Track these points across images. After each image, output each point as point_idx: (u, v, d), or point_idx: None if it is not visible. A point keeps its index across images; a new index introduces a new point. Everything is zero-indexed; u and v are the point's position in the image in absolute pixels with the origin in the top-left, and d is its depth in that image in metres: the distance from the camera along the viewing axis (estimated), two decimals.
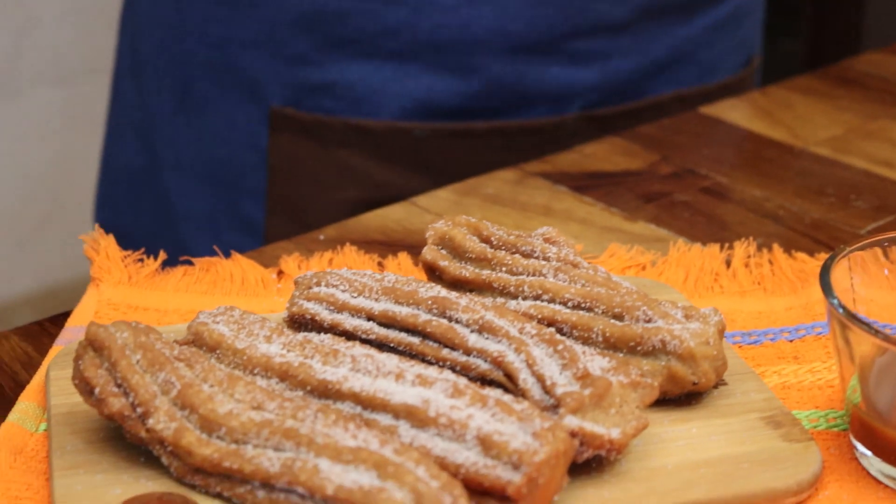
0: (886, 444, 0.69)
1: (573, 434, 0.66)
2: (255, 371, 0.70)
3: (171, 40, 1.23)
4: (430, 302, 0.74)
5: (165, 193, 1.27)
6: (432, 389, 0.67)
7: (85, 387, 0.68)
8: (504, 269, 0.78)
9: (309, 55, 1.18)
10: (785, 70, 1.53)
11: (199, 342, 0.72)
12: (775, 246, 0.93)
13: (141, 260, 0.90)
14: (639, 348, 0.73)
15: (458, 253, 0.80)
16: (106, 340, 0.68)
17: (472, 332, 0.73)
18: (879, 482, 0.70)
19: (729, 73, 1.33)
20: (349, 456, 0.62)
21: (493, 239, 0.80)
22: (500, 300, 0.77)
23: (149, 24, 1.27)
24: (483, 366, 0.71)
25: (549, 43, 1.18)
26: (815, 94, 1.26)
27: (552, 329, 0.73)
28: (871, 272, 0.75)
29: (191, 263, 0.91)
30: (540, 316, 0.75)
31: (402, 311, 0.74)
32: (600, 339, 0.74)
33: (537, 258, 0.79)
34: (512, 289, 0.77)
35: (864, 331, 0.66)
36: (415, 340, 0.74)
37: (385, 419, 0.66)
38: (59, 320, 0.86)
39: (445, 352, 0.73)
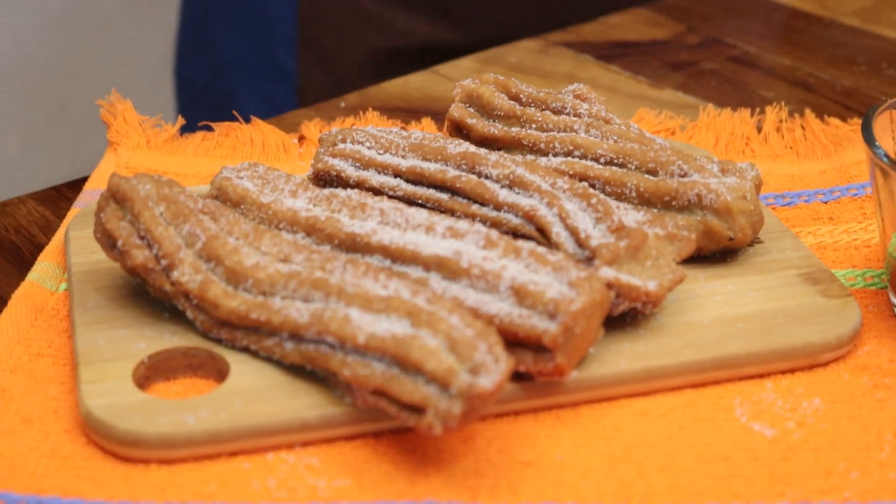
0: None
1: (609, 285, 0.64)
2: (281, 225, 0.68)
3: None
4: (458, 158, 0.72)
5: (217, 45, 1.29)
6: (464, 241, 0.65)
7: (107, 240, 0.66)
8: (534, 125, 0.76)
9: None
10: None
11: (223, 197, 0.70)
12: (807, 111, 0.91)
13: (159, 125, 0.88)
14: (674, 203, 0.71)
15: (486, 111, 0.78)
16: (129, 192, 0.66)
17: (502, 187, 0.71)
18: None
19: None
20: (381, 305, 0.60)
21: (522, 96, 0.78)
22: (530, 157, 0.75)
23: None
24: (514, 221, 0.69)
25: None
26: None
27: (585, 184, 0.71)
28: None
29: (210, 129, 0.89)
30: (571, 172, 0.73)
31: (431, 168, 0.72)
32: (634, 194, 0.72)
33: (568, 114, 0.77)
34: (542, 145, 0.75)
35: None
36: (443, 197, 0.72)
37: (415, 272, 0.64)
38: (77, 185, 0.85)
39: (475, 207, 0.71)
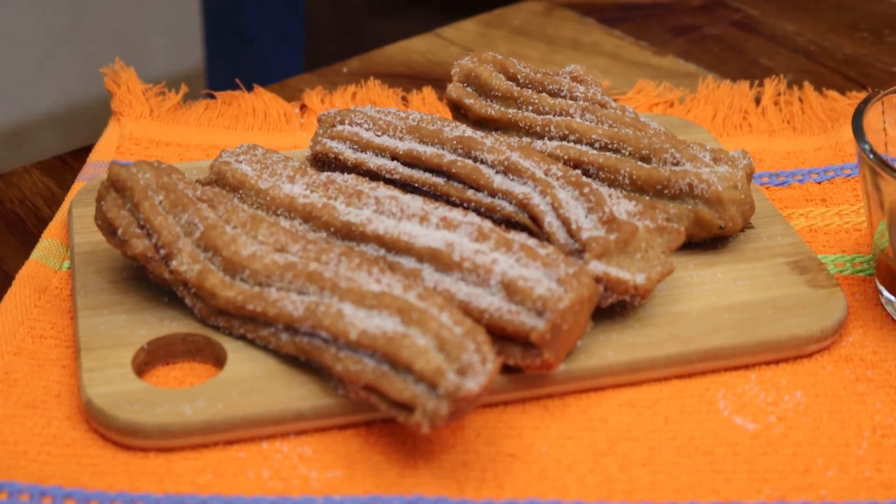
0: None
1: (598, 279, 0.66)
2: (279, 212, 0.69)
3: None
4: (455, 142, 0.73)
5: None
6: (456, 233, 0.66)
7: (108, 227, 0.68)
8: (530, 108, 0.77)
9: None
10: None
11: (222, 182, 0.71)
12: (806, 84, 0.91)
13: (162, 93, 0.89)
14: (666, 191, 0.72)
15: (483, 91, 0.79)
16: (128, 181, 0.67)
17: (497, 172, 0.72)
18: None
19: None
20: (373, 301, 0.62)
21: (519, 77, 0.79)
22: (525, 140, 0.76)
23: None
24: (508, 208, 0.71)
25: None
26: None
27: (578, 171, 0.72)
28: None
29: (212, 97, 0.90)
30: (566, 157, 0.74)
31: (427, 151, 0.73)
32: (627, 181, 0.73)
33: (564, 97, 0.77)
34: (538, 128, 0.76)
35: (895, 178, 0.65)
36: (439, 181, 0.73)
37: (409, 262, 0.66)
38: (81, 155, 0.86)
39: (470, 193, 0.72)
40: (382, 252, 0.67)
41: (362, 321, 0.61)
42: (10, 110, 2.37)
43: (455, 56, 0.96)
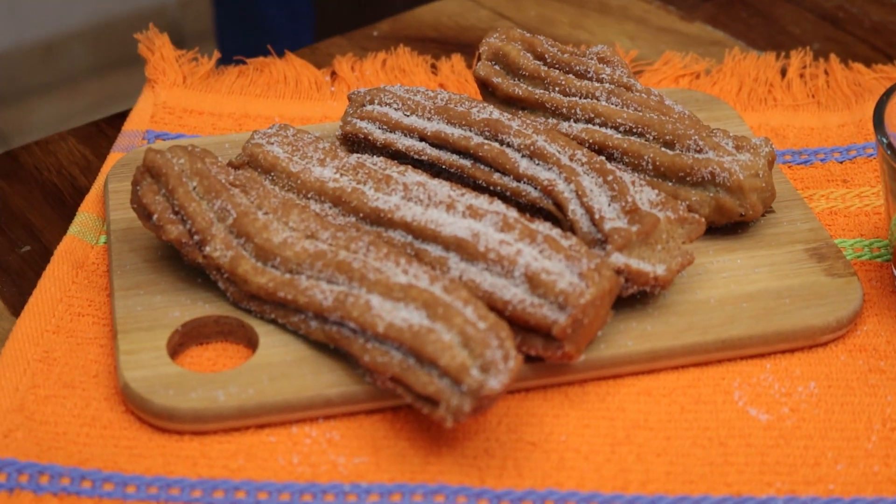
0: None
1: (619, 271, 0.67)
2: (309, 195, 0.71)
3: None
4: (482, 124, 0.74)
5: None
6: (482, 222, 0.68)
7: (143, 212, 0.70)
8: (557, 89, 0.78)
9: None
10: None
11: (254, 164, 0.73)
12: (832, 56, 0.92)
13: (195, 59, 0.90)
14: (688, 178, 0.73)
15: (511, 69, 0.80)
16: (163, 167, 0.69)
17: (523, 157, 0.73)
18: None
19: None
20: (400, 293, 0.64)
21: (547, 56, 0.80)
22: (551, 121, 0.78)
23: None
24: (533, 193, 0.72)
25: None
26: None
27: (602, 158, 0.73)
28: None
29: (243, 63, 0.91)
30: (591, 140, 0.75)
31: (455, 133, 0.75)
32: (650, 167, 0.74)
33: (591, 79, 0.79)
34: (564, 110, 0.77)
35: None
36: (466, 163, 0.74)
37: (435, 250, 0.68)
38: (115, 122, 0.88)
39: (496, 176, 0.73)
40: (410, 238, 0.68)
41: (389, 313, 0.63)
42: (40, 25, 2.39)
43: (484, 20, 0.97)
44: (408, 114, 0.77)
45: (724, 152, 0.73)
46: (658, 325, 0.69)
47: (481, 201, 0.69)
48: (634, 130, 0.75)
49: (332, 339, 0.65)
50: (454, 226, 0.68)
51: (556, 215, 0.72)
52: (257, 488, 0.62)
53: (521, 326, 0.65)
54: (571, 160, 0.73)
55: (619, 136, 0.75)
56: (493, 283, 0.66)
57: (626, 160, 0.75)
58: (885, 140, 0.69)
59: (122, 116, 0.88)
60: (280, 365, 0.66)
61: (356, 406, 0.65)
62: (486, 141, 0.74)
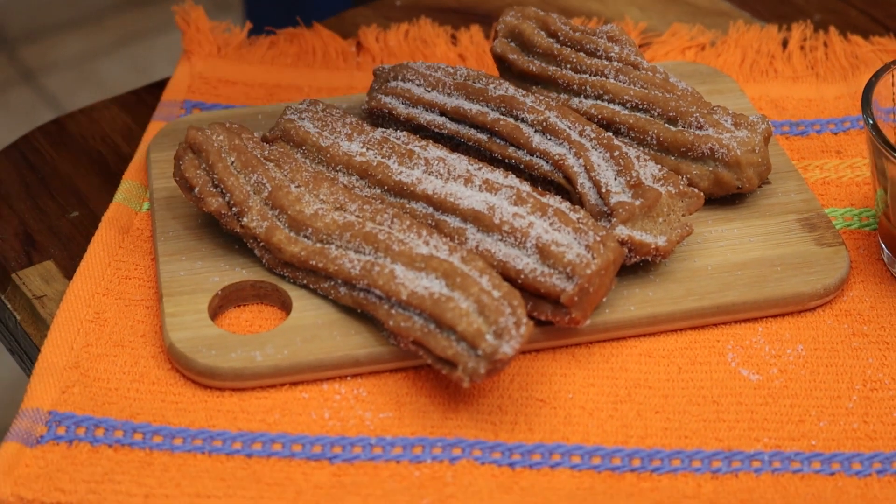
0: None
1: (623, 242, 0.73)
2: (338, 168, 0.77)
3: None
4: (498, 100, 0.80)
5: None
6: (497, 196, 0.74)
7: (185, 184, 0.76)
8: (568, 66, 0.84)
9: None
10: None
11: (287, 138, 0.79)
12: (831, 28, 0.97)
13: (228, 30, 0.96)
14: (689, 153, 0.79)
15: (526, 47, 0.85)
16: (204, 144, 0.75)
17: (536, 132, 0.79)
18: None
19: None
20: (421, 263, 0.70)
21: (559, 34, 0.85)
22: (563, 97, 0.83)
23: None
24: (545, 167, 0.78)
25: None
26: None
27: (610, 134, 0.79)
28: None
29: (273, 33, 0.97)
30: (600, 116, 0.81)
31: (473, 109, 0.80)
32: (654, 141, 0.80)
33: (600, 57, 0.84)
34: (575, 86, 0.83)
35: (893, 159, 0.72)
36: (483, 137, 0.80)
37: (454, 221, 0.73)
38: (155, 91, 0.93)
39: (511, 150, 0.79)
40: (430, 210, 0.74)
41: (412, 282, 0.69)
42: None
43: (497, 26, 1.02)
44: (429, 90, 0.82)
45: (724, 129, 0.79)
46: (659, 291, 0.75)
47: (497, 175, 0.75)
48: (640, 107, 0.81)
49: (359, 304, 0.72)
50: (472, 199, 0.74)
51: (566, 188, 0.77)
52: (292, 441, 0.68)
53: (533, 293, 0.71)
54: (581, 136, 0.78)
55: (626, 111, 0.81)
56: (506, 253, 0.72)
57: (633, 135, 0.80)
58: (871, 121, 0.74)
59: (161, 85, 0.93)
60: (312, 327, 0.72)
61: (381, 366, 0.72)
62: (501, 116, 0.80)
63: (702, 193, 0.76)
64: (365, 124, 0.80)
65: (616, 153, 0.77)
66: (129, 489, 0.66)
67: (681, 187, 0.76)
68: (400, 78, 0.83)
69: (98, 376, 0.71)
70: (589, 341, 0.74)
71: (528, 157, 0.79)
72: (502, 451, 0.68)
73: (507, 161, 0.80)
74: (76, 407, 0.69)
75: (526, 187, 0.75)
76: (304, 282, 0.74)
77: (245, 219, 0.74)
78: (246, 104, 0.90)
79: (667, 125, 0.80)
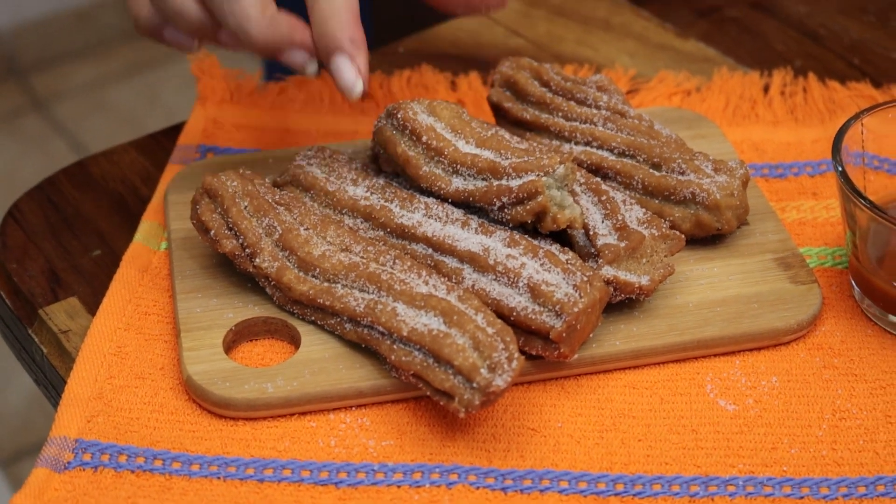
0: (874, 290, 0.82)
1: (608, 282, 0.79)
2: (344, 211, 0.83)
3: None
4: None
5: None
6: (492, 238, 0.79)
7: (202, 227, 0.81)
8: (560, 114, 0.89)
9: None
10: None
11: (296, 183, 0.85)
12: (811, 74, 1.03)
13: (241, 76, 1.02)
14: (672, 197, 0.84)
15: (520, 95, 0.91)
16: (219, 189, 0.81)
17: None
18: (870, 319, 0.83)
19: None
20: (421, 302, 0.75)
21: (552, 84, 0.91)
22: (555, 143, 0.89)
23: None
24: None
25: None
26: None
27: (598, 179, 0.84)
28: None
29: (283, 79, 1.02)
30: (589, 161, 0.87)
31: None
32: (640, 186, 0.85)
33: (590, 106, 0.90)
34: (566, 133, 0.88)
35: (863, 206, 0.78)
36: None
37: (452, 262, 0.79)
38: (171, 134, 0.99)
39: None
40: (430, 251, 0.80)
41: (412, 319, 0.75)
42: None
43: (500, 38, 1.08)
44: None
45: (704, 174, 0.85)
46: (642, 327, 0.80)
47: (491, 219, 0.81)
48: (627, 153, 0.86)
49: (363, 340, 0.77)
50: (468, 241, 0.79)
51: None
52: (301, 467, 0.74)
53: (524, 330, 0.77)
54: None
55: (614, 157, 0.87)
56: (500, 292, 0.77)
57: (620, 179, 0.86)
58: (840, 168, 0.80)
59: (177, 129, 0.99)
60: (319, 361, 0.78)
61: (384, 397, 0.77)
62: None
63: (683, 236, 0.82)
64: (369, 169, 0.86)
65: (603, 197, 0.82)
66: None
67: (663, 230, 0.81)
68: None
69: (120, 406, 0.77)
70: (577, 374, 0.79)
71: None
72: (495, 477, 0.73)
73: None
74: (101, 435, 0.75)
75: (518, 230, 0.80)
76: (312, 318, 0.79)
77: (257, 259, 0.79)
78: (257, 148, 0.96)
79: (651, 170, 0.85)
